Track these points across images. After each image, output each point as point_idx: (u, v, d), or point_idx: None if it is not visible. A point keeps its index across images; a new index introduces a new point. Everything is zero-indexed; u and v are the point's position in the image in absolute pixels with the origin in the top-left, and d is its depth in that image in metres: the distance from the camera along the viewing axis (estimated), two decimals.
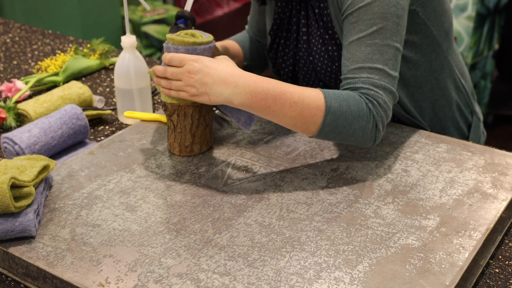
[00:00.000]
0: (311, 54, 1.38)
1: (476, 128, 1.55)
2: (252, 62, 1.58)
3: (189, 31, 1.23)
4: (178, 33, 1.22)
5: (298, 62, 1.43)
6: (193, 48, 1.19)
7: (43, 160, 1.15)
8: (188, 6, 1.41)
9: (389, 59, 1.20)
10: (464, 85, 1.51)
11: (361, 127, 1.16)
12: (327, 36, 1.34)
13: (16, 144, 1.29)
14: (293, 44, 1.42)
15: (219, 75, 1.13)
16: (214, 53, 1.27)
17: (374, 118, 1.17)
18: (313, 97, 1.14)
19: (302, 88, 1.16)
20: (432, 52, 1.38)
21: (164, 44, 1.22)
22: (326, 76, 1.37)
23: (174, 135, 1.25)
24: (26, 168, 1.09)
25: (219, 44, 1.46)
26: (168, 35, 1.21)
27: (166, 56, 1.18)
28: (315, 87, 1.42)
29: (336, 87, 1.38)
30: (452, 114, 1.48)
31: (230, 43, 1.53)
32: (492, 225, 1.06)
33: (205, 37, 1.21)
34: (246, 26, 1.63)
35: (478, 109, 1.58)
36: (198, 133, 1.25)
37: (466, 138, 1.53)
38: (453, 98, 1.47)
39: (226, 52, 1.48)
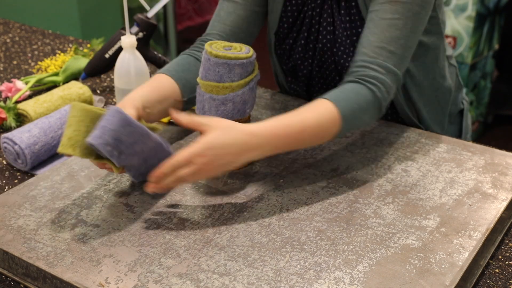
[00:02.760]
0: (335, 46, 1.38)
1: (466, 113, 1.58)
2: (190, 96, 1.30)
3: (227, 43, 1.16)
4: (214, 44, 1.15)
5: (316, 55, 1.42)
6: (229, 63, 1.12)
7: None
8: (151, 12, 1.43)
9: (410, 46, 1.23)
10: (456, 67, 1.54)
11: (370, 116, 1.19)
12: (353, 25, 1.34)
13: (16, 144, 1.29)
14: (314, 35, 1.40)
15: (238, 147, 1.05)
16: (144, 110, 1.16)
17: (379, 102, 1.18)
18: (328, 115, 1.13)
19: (314, 110, 1.13)
20: (438, 37, 1.40)
21: (204, 54, 1.14)
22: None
23: None
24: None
25: (136, 96, 1.20)
26: (208, 47, 1.13)
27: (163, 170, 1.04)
28: (332, 80, 1.42)
29: None
30: (450, 100, 1.49)
31: (155, 85, 1.25)
32: (492, 225, 1.06)
33: (244, 50, 1.15)
34: (204, 35, 1.39)
35: (464, 93, 1.62)
36: None
37: (460, 123, 1.56)
38: (451, 84, 1.48)
39: (148, 102, 1.21)
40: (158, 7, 1.59)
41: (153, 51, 1.66)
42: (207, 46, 1.15)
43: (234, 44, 1.17)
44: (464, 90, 1.61)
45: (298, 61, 1.45)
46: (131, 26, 1.44)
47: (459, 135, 1.57)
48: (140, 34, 1.60)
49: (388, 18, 1.21)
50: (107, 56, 1.63)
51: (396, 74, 1.20)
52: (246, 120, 1.20)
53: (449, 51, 1.51)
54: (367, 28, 1.23)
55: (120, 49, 1.61)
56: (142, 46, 1.55)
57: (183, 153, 1.03)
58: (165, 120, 1.39)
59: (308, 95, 1.52)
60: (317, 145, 1.25)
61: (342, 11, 1.35)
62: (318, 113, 1.13)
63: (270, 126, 1.09)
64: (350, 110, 1.14)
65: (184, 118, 1.07)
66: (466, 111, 1.59)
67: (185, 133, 1.35)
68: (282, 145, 1.11)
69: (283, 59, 1.49)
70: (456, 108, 1.55)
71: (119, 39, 1.62)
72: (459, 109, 1.57)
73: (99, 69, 1.65)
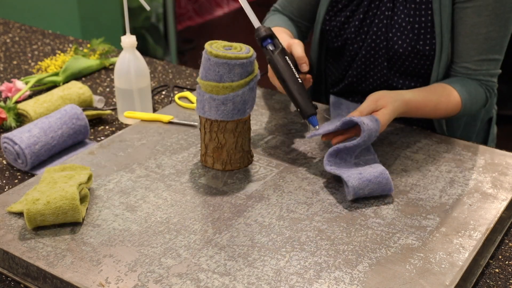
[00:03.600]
0: (391, 31, 1.38)
1: (494, 121, 1.61)
2: None
3: (227, 43, 1.17)
4: (214, 44, 1.15)
5: (367, 38, 1.42)
6: (229, 62, 1.12)
7: (82, 168, 1.17)
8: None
9: (504, 47, 1.33)
10: None
11: (477, 110, 1.39)
12: (417, 13, 1.35)
13: (16, 144, 1.29)
14: (370, 19, 1.41)
15: (397, 115, 1.24)
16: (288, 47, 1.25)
17: (487, 100, 1.38)
18: (454, 104, 1.31)
19: (444, 90, 1.31)
20: None
21: (204, 54, 1.15)
22: (403, 54, 1.38)
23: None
24: (73, 175, 1.12)
25: (287, 34, 1.42)
26: (208, 47, 1.14)
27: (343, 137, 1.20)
28: (377, 64, 1.44)
29: (407, 67, 1.40)
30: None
31: (289, 33, 1.45)
32: (492, 225, 1.06)
33: (244, 50, 1.15)
34: (276, 5, 1.56)
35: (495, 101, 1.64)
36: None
37: (487, 131, 1.59)
38: None
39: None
40: None
41: None
42: (207, 46, 1.15)
43: (234, 44, 1.17)
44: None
45: (348, 41, 1.45)
46: None
47: (483, 143, 1.57)
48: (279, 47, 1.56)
49: (484, 33, 1.30)
50: None
51: (497, 75, 1.37)
52: (246, 119, 1.20)
53: None
54: (463, 42, 1.32)
55: None
56: None
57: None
58: (165, 120, 1.39)
59: (338, 81, 1.52)
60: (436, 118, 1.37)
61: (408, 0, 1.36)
62: (449, 99, 1.30)
63: (418, 98, 1.27)
64: (470, 103, 1.33)
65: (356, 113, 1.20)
66: (494, 120, 1.60)
67: (185, 133, 1.35)
68: (416, 115, 1.30)
69: (330, 36, 1.48)
70: (487, 116, 1.55)
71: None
72: (489, 117, 1.57)
73: None
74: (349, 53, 1.46)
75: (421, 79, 1.42)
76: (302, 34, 1.56)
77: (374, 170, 1.11)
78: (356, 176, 1.10)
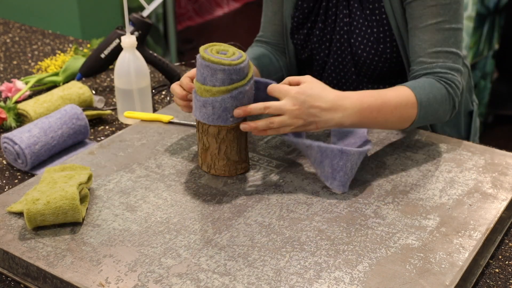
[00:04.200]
0: (352, 37, 1.39)
1: (475, 115, 1.59)
2: (274, 76, 1.50)
3: (226, 47, 1.16)
4: (215, 46, 1.15)
5: (332, 46, 1.43)
6: (221, 68, 1.10)
7: (82, 168, 1.17)
8: (147, 11, 1.44)
9: (460, 41, 1.29)
10: (468, 68, 1.56)
11: (444, 111, 1.26)
12: (373, 18, 1.35)
13: (16, 144, 1.29)
14: (331, 26, 1.42)
15: (327, 102, 1.13)
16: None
17: (452, 99, 1.27)
18: (406, 97, 1.21)
19: (394, 90, 1.21)
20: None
21: (197, 56, 1.14)
22: (367, 59, 1.38)
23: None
24: (73, 175, 1.12)
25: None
26: (202, 48, 1.14)
27: (251, 108, 1.13)
28: (346, 71, 1.43)
29: (374, 70, 1.40)
30: (462, 101, 1.51)
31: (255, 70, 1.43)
32: (492, 225, 1.06)
33: (236, 55, 1.13)
34: (258, 36, 1.54)
35: (474, 95, 1.64)
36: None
37: (469, 125, 1.57)
38: (463, 85, 1.50)
39: None
40: (153, 6, 1.59)
41: (149, 50, 1.66)
42: (204, 46, 1.14)
43: (232, 50, 1.15)
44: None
45: (314, 51, 1.46)
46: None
47: (467, 136, 1.57)
48: (136, 33, 1.60)
49: (433, 23, 1.26)
50: (102, 56, 1.63)
51: (458, 70, 1.27)
52: (231, 128, 1.16)
53: (463, 52, 1.51)
54: (415, 37, 1.29)
55: (116, 49, 1.61)
56: (138, 45, 1.55)
57: (276, 85, 1.14)
58: (165, 120, 1.39)
59: None
60: (396, 128, 1.26)
61: (363, 4, 1.36)
62: (397, 94, 1.20)
63: (355, 93, 1.17)
64: (426, 98, 1.22)
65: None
66: (475, 113, 1.59)
67: (185, 132, 1.35)
68: (365, 113, 1.16)
69: (298, 49, 1.49)
70: (466, 109, 1.55)
71: (115, 38, 1.61)
72: (469, 111, 1.57)
73: (95, 69, 1.65)
74: (317, 63, 1.47)
75: (395, 84, 1.42)
76: (285, 56, 1.54)
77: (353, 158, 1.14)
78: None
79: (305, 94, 1.12)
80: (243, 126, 1.14)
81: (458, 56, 1.28)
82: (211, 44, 1.16)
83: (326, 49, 1.44)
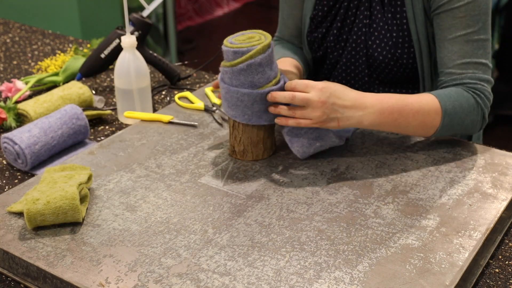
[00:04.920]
0: (370, 39, 1.39)
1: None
2: (307, 73, 1.53)
3: (250, 34, 1.20)
4: (238, 37, 1.19)
5: (347, 45, 1.43)
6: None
7: (82, 168, 1.18)
8: (146, 11, 1.44)
9: (489, 52, 1.29)
10: None
11: (472, 121, 1.27)
12: (394, 22, 1.35)
13: (16, 144, 1.29)
14: (349, 27, 1.42)
15: (350, 100, 1.17)
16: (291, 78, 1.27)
17: (482, 110, 1.27)
18: (430, 103, 1.22)
19: (417, 96, 1.23)
20: None
21: (223, 48, 1.18)
22: (383, 62, 1.38)
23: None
24: (73, 175, 1.12)
25: (291, 66, 1.39)
26: (227, 42, 1.18)
27: (291, 83, 1.17)
28: (358, 73, 1.44)
29: (388, 74, 1.40)
30: None
31: (294, 63, 1.43)
32: (492, 225, 1.06)
33: (263, 39, 1.17)
34: (276, 35, 1.56)
35: None
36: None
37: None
38: None
39: (299, 75, 1.42)
40: (153, 6, 1.59)
41: (149, 50, 1.66)
42: (231, 36, 1.20)
43: (256, 38, 1.18)
44: None
45: (328, 50, 1.46)
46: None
47: (469, 137, 1.56)
48: (136, 33, 1.60)
49: (462, 35, 1.27)
50: (102, 56, 1.63)
51: (488, 81, 1.28)
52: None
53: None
54: (444, 48, 1.29)
55: (115, 49, 1.61)
56: (138, 45, 1.55)
57: (300, 80, 1.17)
58: (165, 120, 1.39)
59: None
60: (419, 135, 1.26)
61: (385, 7, 1.36)
62: (420, 99, 1.22)
63: (376, 94, 1.21)
64: (451, 105, 1.23)
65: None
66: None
67: (185, 132, 1.35)
68: (385, 114, 1.19)
69: (313, 47, 1.49)
70: None
71: (115, 38, 1.61)
72: None
73: (95, 69, 1.65)
74: (329, 61, 1.47)
75: (407, 89, 1.42)
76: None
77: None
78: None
79: (330, 90, 1.15)
80: (271, 108, 1.18)
81: (488, 67, 1.29)
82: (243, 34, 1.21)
83: (340, 48, 1.44)
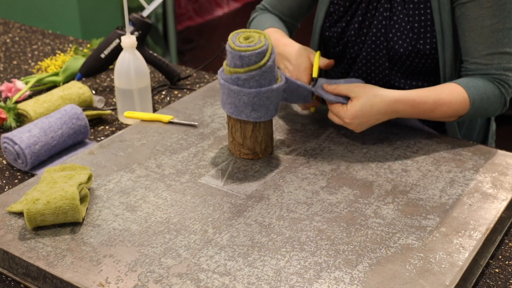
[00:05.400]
0: (391, 31, 1.39)
1: (492, 118, 1.59)
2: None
3: (251, 33, 1.20)
4: (238, 35, 1.20)
5: (367, 39, 1.43)
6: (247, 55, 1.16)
7: (82, 168, 1.17)
8: (146, 11, 1.44)
9: None
10: None
11: (494, 109, 1.34)
12: (416, 12, 1.36)
13: (16, 144, 1.29)
14: (369, 21, 1.42)
15: (381, 116, 1.26)
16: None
17: (504, 98, 1.33)
18: (460, 99, 1.28)
19: (448, 92, 1.29)
20: None
21: (227, 47, 1.19)
22: (403, 54, 1.38)
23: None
24: (73, 175, 1.12)
25: (285, 36, 1.45)
26: (230, 38, 1.19)
27: (328, 87, 1.26)
28: (378, 66, 1.44)
29: (408, 66, 1.40)
30: None
31: (281, 32, 1.48)
32: (492, 225, 1.06)
33: (254, 43, 1.18)
34: (262, 5, 1.58)
35: None
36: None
37: (487, 129, 1.57)
38: None
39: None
40: (153, 6, 1.59)
41: (149, 50, 1.66)
42: (234, 32, 1.21)
43: (257, 37, 1.19)
44: None
45: (348, 44, 1.46)
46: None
47: (483, 140, 1.56)
48: (136, 33, 1.60)
49: (488, 25, 1.28)
50: (102, 56, 1.63)
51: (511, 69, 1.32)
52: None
53: None
54: (469, 38, 1.31)
55: (116, 49, 1.61)
56: (138, 45, 1.55)
57: (335, 117, 1.28)
58: (165, 120, 1.39)
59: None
60: (444, 120, 1.33)
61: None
62: (451, 95, 1.28)
63: (411, 95, 1.27)
64: (479, 98, 1.29)
65: (330, 88, 1.28)
66: (493, 117, 1.59)
67: (185, 132, 1.35)
68: (416, 115, 1.28)
69: (331, 42, 1.49)
70: None
71: (115, 38, 1.61)
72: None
73: (95, 69, 1.65)
74: (350, 56, 1.47)
75: (428, 80, 1.42)
76: (290, 33, 1.57)
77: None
78: None
79: (359, 118, 1.25)
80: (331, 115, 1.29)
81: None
82: (250, 30, 1.21)
83: (360, 43, 1.44)
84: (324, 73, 1.57)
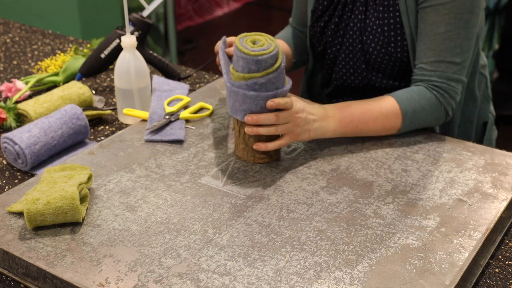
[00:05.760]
0: (364, 34, 1.39)
1: (490, 127, 1.58)
2: (300, 58, 1.59)
3: (255, 36, 1.19)
4: (244, 39, 1.18)
5: (344, 41, 1.44)
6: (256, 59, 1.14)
7: (82, 168, 1.17)
8: (146, 11, 1.44)
9: (467, 51, 1.30)
10: (486, 78, 1.55)
11: (435, 119, 1.32)
12: (386, 15, 1.36)
13: (16, 144, 1.29)
14: (345, 22, 1.43)
15: (318, 112, 1.24)
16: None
17: (445, 108, 1.31)
18: (390, 108, 1.28)
19: (376, 101, 1.29)
20: (477, 41, 1.42)
21: (235, 51, 1.17)
22: (378, 57, 1.38)
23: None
24: (73, 175, 1.12)
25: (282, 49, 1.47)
26: (238, 44, 1.17)
27: (281, 101, 1.17)
28: (356, 68, 1.44)
29: (384, 69, 1.40)
30: (476, 111, 1.51)
31: (280, 43, 1.54)
32: (492, 225, 1.06)
33: (264, 47, 1.16)
34: (290, 19, 1.62)
35: (492, 107, 1.62)
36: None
37: (482, 136, 1.56)
38: (477, 94, 1.50)
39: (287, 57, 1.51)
40: (153, 6, 1.59)
41: (149, 50, 1.66)
42: (241, 35, 1.20)
43: (265, 41, 1.18)
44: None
45: (327, 45, 1.47)
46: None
47: (481, 139, 1.56)
48: (136, 33, 1.60)
49: (442, 32, 1.28)
50: (102, 56, 1.63)
51: (458, 80, 1.31)
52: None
53: (483, 60, 1.51)
54: (422, 42, 1.30)
55: (116, 49, 1.61)
56: (138, 45, 1.55)
57: (291, 97, 1.22)
58: None
59: (328, 83, 1.54)
60: (382, 134, 1.30)
61: (378, 1, 1.37)
62: (380, 104, 1.28)
63: (337, 104, 1.28)
64: (412, 109, 1.28)
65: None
66: (490, 124, 1.58)
67: (185, 132, 1.35)
68: (347, 122, 1.26)
69: (314, 41, 1.51)
70: (480, 120, 1.54)
71: (115, 38, 1.61)
72: (483, 121, 1.56)
73: (95, 69, 1.65)
74: (329, 57, 1.49)
75: (407, 80, 1.42)
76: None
77: None
78: None
79: (301, 103, 1.21)
80: (247, 118, 1.19)
81: (461, 67, 1.30)
82: (252, 34, 1.20)
83: (338, 44, 1.45)
84: (312, 70, 1.58)
